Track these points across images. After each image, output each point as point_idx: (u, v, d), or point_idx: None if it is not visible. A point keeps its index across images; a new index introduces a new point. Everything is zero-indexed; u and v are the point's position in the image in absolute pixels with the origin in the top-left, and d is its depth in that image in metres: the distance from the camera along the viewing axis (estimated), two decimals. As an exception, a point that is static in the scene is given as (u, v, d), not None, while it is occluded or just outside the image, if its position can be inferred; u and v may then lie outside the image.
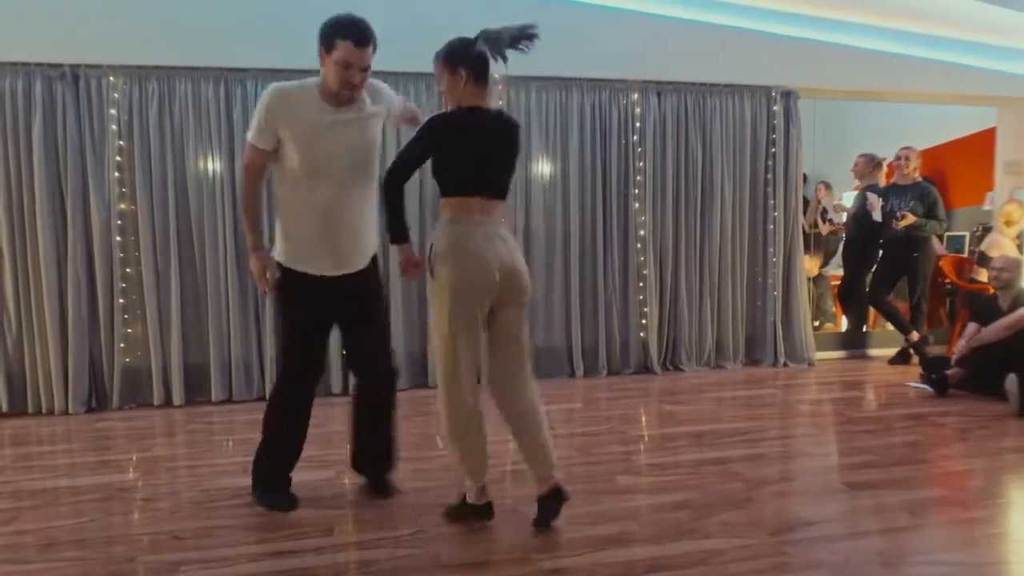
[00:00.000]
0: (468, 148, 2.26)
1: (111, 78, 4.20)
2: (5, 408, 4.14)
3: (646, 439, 3.49)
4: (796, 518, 2.44)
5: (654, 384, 4.74)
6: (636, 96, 4.95)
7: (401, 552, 2.21)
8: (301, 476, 2.88)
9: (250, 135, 2.44)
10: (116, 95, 4.22)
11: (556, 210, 4.88)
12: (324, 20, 2.35)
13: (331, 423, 3.87)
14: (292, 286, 2.50)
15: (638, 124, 4.96)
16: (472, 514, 2.42)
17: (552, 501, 2.34)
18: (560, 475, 2.39)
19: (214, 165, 4.34)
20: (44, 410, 4.19)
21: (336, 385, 4.51)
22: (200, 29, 4.28)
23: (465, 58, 2.29)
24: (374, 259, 2.64)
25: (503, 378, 2.39)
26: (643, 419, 3.88)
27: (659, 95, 4.99)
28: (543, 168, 4.87)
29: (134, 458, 3.35)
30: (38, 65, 4.10)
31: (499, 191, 2.35)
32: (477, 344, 2.31)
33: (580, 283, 4.93)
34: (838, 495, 2.66)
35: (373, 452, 2.73)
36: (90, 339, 4.23)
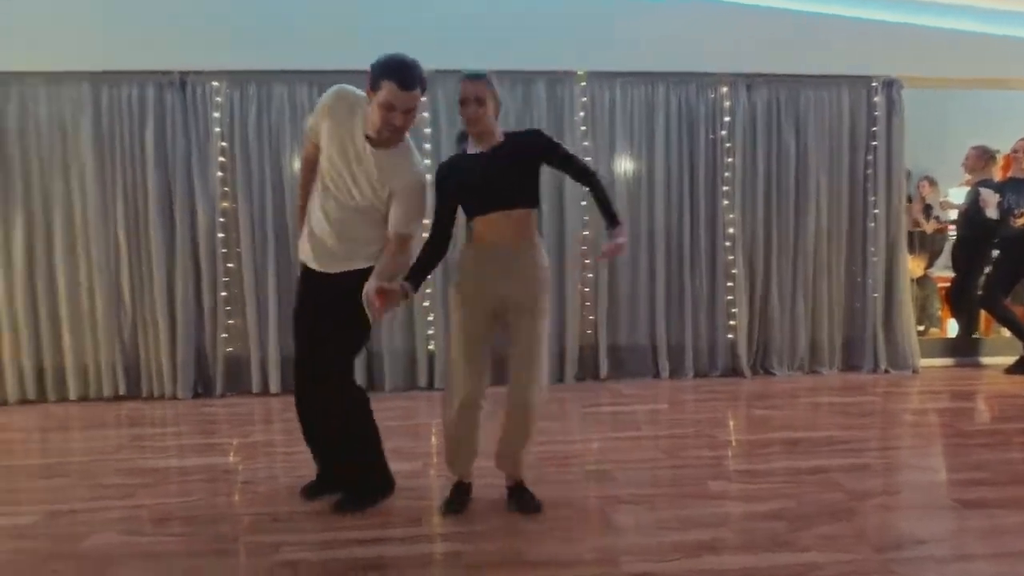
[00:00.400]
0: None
1: (215, 83, 4.44)
2: (122, 392, 4.46)
3: (736, 444, 3.38)
4: (904, 535, 2.29)
5: (743, 387, 4.58)
6: (725, 90, 4.79)
7: (486, 547, 2.22)
8: (391, 467, 2.95)
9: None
10: (219, 99, 4.46)
11: (640, 207, 4.80)
12: (379, 55, 2.32)
13: (417, 416, 3.96)
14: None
15: (727, 119, 4.81)
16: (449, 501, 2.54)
17: (516, 496, 2.53)
18: (526, 475, 2.59)
19: (308, 165, 4.51)
20: (156, 395, 4.49)
21: (422, 379, 4.60)
22: (295, 34, 4.47)
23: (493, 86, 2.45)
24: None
25: (510, 373, 2.46)
26: (732, 423, 3.75)
27: (749, 88, 4.81)
28: (627, 165, 4.79)
29: (235, 442, 3.54)
30: (151, 73, 4.38)
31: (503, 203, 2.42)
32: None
33: (666, 282, 4.82)
34: (948, 513, 2.48)
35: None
36: (196, 330, 4.50)
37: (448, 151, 4.56)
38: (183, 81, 4.42)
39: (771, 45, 4.78)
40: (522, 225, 2.43)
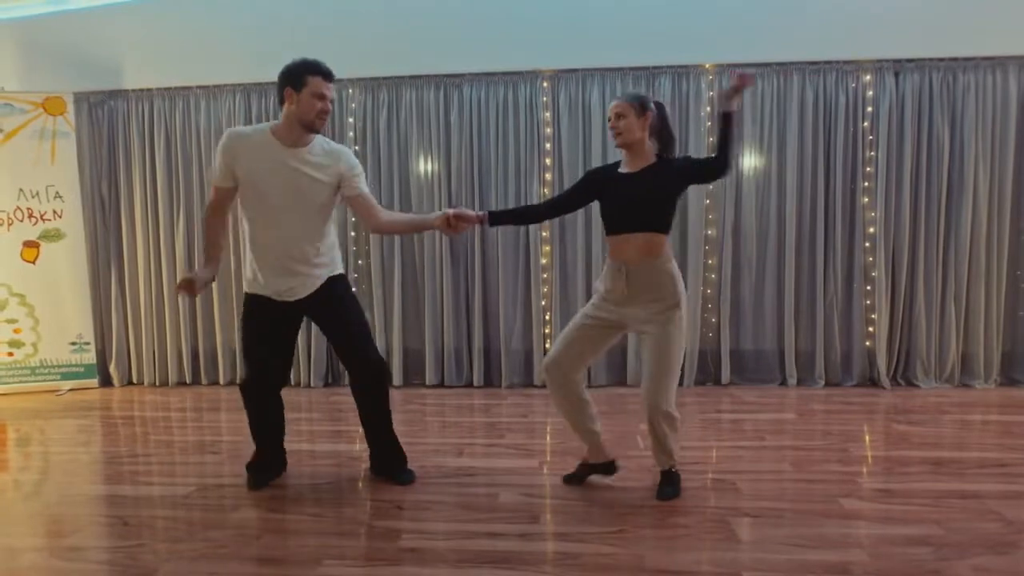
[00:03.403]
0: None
1: (350, 90, 4.70)
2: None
3: (872, 460, 3.13)
4: (1077, 574, 2.03)
5: (881, 399, 4.24)
6: (868, 78, 4.45)
7: (605, 549, 2.20)
8: (509, 463, 3.01)
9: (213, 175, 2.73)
10: (353, 105, 4.71)
11: (770, 205, 4.56)
12: (290, 63, 2.61)
13: (534, 413, 4.00)
14: None
15: (869, 109, 4.46)
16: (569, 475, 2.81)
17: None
18: (668, 464, 2.69)
19: (433, 165, 4.68)
20: (292, 382, 4.83)
21: (538, 376, 4.64)
22: (422, 40, 4.63)
23: (651, 106, 2.58)
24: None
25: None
26: (868, 437, 3.48)
27: (897, 75, 4.44)
28: (756, 161, 4.57)
29: (360, 431, 3.72)
30: (294, 82, 4.71)
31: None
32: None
33: (796, 284, 4.55)
34: None
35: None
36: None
37: (568, 151, 4.57)
38: (321, 89, 4.71)
39: (922, 25, 4.37)
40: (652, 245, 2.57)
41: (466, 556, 2.18)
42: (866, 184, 4.49)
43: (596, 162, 4.57)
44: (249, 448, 2.98)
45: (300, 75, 2.59)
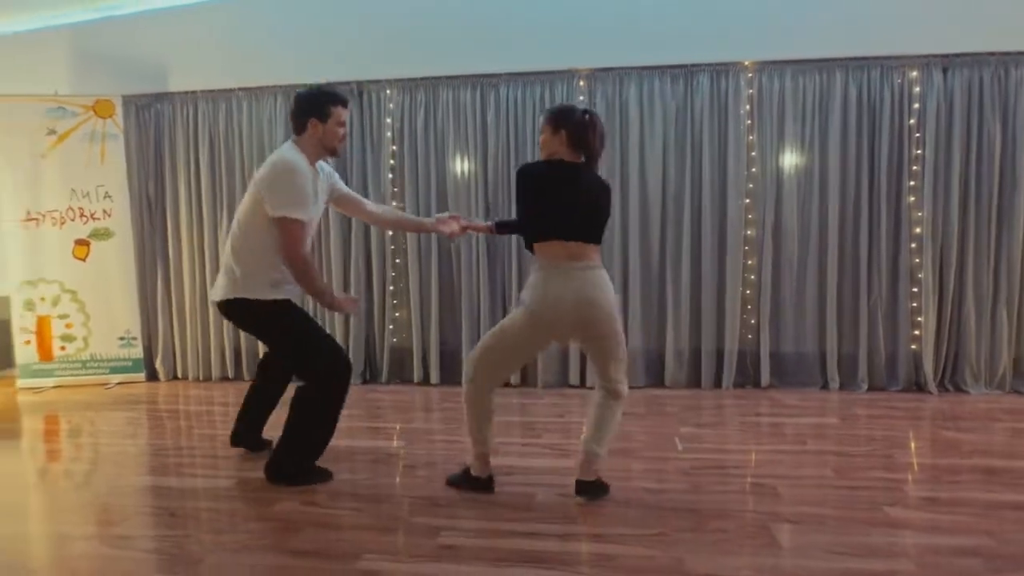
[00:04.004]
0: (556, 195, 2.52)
1: (387, 91, 4.75)
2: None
3: (919, 468, 3.04)
4: None
5: (928, 405, 4.12)
6: (915, 74, 4.32)
7: (643, 552, 2.19)
8: (545, 463, 3.01)
9: (295, 211, 2.72)
10: (391, 105, 4.76)
11: (811, 204, 4.47)
12: (310, 92, 2.86)
13: (570, 414, 3.99)
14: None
15: (916, 106, 4.33)
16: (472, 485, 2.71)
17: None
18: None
19: (469, 165, 4.70)
20: (329, 379, 4.90)
21: (574, 376, 4.62)
22: (459, 40, 4.66)
23: (566, 123, 2.53)
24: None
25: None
26: (915, 444, 3.39)
27: (945, 71, 4.30)
28: (796, 160, 4.48)
29: (398, 427, 3.77)
30: (333, 84, 4.76)
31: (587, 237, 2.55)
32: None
33: (838, 285, 4.45)
34: None
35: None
36: (366, 321, 4.85)
37: (605, 151, 4.54)
38: (360, 90, 4.78)
39: (972, 19, 4.23)
40: None
41: (503, 555, 2.19)
42: (912, 183, 4.37)
43: (634, 163, 4.54)
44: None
45: (324, 106, 2.80)
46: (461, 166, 4.72)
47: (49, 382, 4.87)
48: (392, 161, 4.78)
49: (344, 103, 2.86)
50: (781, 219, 4.50)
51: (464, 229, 3.13)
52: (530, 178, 2.55)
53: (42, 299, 4.86)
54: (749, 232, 4.51)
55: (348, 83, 4.75)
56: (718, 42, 4.44)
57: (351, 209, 3.22)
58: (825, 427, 3.68)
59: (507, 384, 4.70)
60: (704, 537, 2.29)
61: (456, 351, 4.76)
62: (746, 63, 4.44)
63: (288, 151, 2.78)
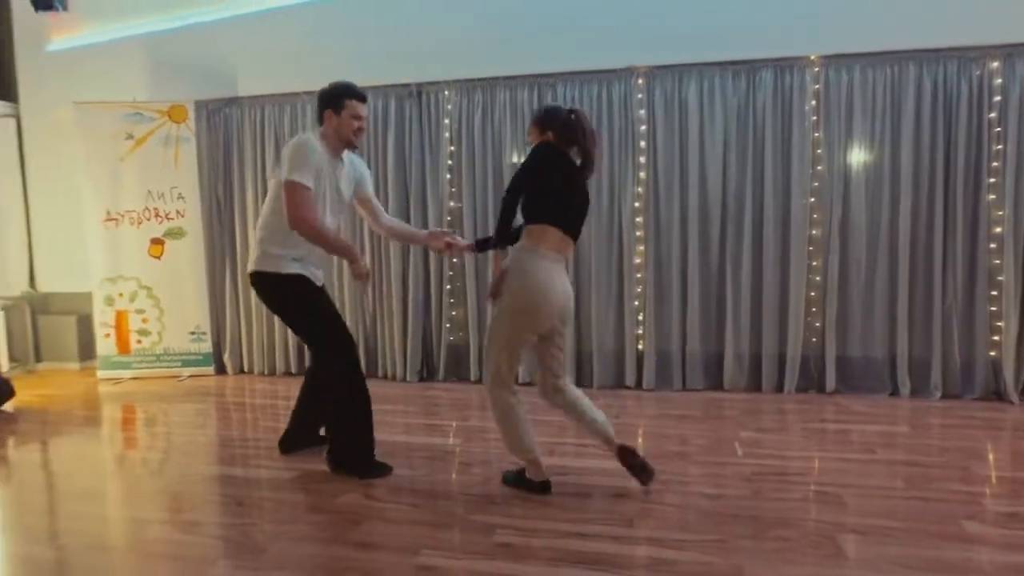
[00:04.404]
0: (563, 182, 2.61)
1: (446, 92, 4.81)
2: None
3: (998, 481, 2.88)
4: None
5: (1009, 415, 3.90)
6: (995, 65, 4.09)
7: (702, 558, 2.15)
8: (601, 464, 2.99)
9: (300, 176, 2.79)
10: (449, 107, 4.81)
11: (881, 202, 4.29)
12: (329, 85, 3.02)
13: (625, 415, 3.95)
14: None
15: (997, 99, 4.10)
16: (528, 487, 2.73)
17: (628, 460, 2.68)
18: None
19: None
20: (388, 376, 5.00)
21: (630, 377, 4.57)
22: (516, 40, 4.66)
23: (552, 123, 2.62)
24: None
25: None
26: (993, 456, 3.21)
27: (1030, 61, 4.06)
28: (865, 156, 4.30)
29: (454, 425, 3.82)
30: (392, 86, 4.87)
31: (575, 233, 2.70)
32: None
33: (910, 287, 4.26)
34: None
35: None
36: (423, 319, 4.92)
37: (664, 150, 4.48)
38: (419, 91, 4.85)
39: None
40: None
41: (559, 555, 2.19)
42: (992, 180, 4.14)
43: (694, 161, 4.46)
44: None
45: (339, 98, 2.96)
46: (518, 165, 4.72)
47: (126, 374, 5.13)
48: (450, 161, 4.83)
49: (360, 97, 2.97)
50: (848, 218, 4.33)
51: (448, 246, 3.22)
52: (553, 156, 2.56)
53: (120, 295, 5.12)
54: (814, 231, 4.36)
55: (407, 85, 4.83)
56: (782, 36, 4.31)
57: (367, 213, 3.30)
58: (895, 435, 3.53)
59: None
60: (765, 545, 2.23)
61: (511, 350, 4.77)
62: (812, 57, 4.30)
63: (307, 135, 2.97)
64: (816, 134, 4.31)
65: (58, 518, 2.72)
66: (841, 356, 4.38)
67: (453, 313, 4.90)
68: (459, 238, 3.35)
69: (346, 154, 3.09)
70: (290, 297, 2.98)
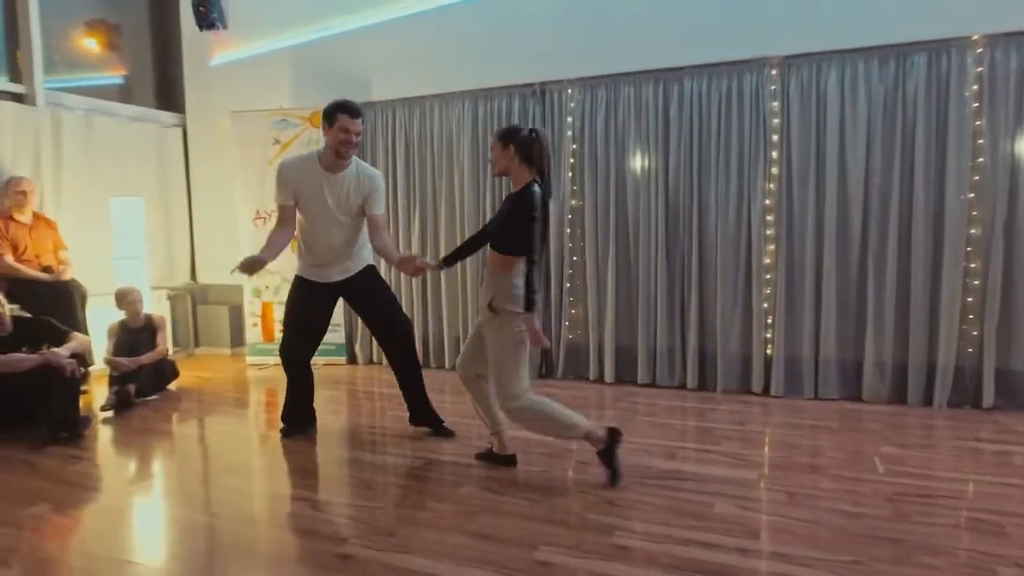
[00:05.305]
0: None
1: (568, 90, 4.81)
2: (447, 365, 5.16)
3: None
4: None
5: None
6: None
7: (832, 578, 2.02)
8: (724, 472, 2.88)
9: (276, 197, 3.45)
10: (572, 105, 4.81)
11: (1057, 199, 3.81)
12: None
13: (751, 422, 3.78)
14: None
15: None
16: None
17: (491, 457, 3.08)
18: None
19: (649, 161, 4.61)
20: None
21: (757, 383, 4.36)
22: (641, 35, 4.57)
23: (513, 139, 2.78)
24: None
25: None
26: None
27: None
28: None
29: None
30: (516, 86, 4.94)
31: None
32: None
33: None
34: None
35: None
36: (543, 317, 4.95)
37: (799, 143, 4.23)
38: (542, 91, 4.88)
39: None
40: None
41: (678, 562, 2.13)
42: None
43: (832, 155, 4.17)
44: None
45: (333, 113, 3.25)
46: (641, 163, 4.65)
47: (271, 360, 5.56)
48: (572, 160, 4.83)
49: (350, 113, 3.24)
50: (1015, 216, 3.88)
51: (417, 270, 3.38)
52: (544, 206, 2.77)
53: (266, 287, 5.56)
54: (973, 231, 3.94)
55: (531, 84, 4.88)
56: (937, 15, 3.93)
57: (369, 229, 3.49)
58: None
59: (683, 386, 4.55)
60: (908, 572, 2.05)
61: (632, 349, 4.70)
62: (974, 37, 3.88)
63: (291, 157, 3.51)
64: (978, 123, 3.89)
65: (211, 488, 3.00)
66: (1002, 369, 3.93)
67: (572, 312, 4.89)
68: (427, 261, 3.79)
69: (359, 169, 3.40)
70: (289, 292, 3.63)
